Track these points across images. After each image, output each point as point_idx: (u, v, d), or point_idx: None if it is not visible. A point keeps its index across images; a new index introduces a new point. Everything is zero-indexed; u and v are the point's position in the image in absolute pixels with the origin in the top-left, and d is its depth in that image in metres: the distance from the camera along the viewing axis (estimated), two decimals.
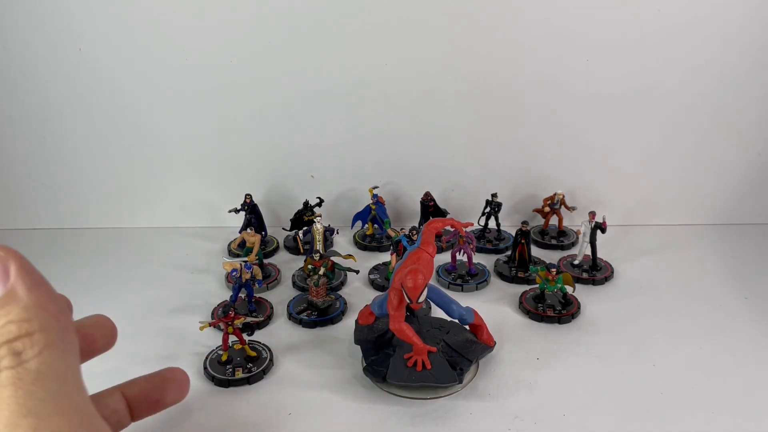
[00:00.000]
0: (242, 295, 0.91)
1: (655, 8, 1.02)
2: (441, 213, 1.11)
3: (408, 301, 0.72)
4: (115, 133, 1.13)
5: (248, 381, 0.76)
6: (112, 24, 1.04)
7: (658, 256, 1.07)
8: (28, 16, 1.04)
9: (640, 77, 1.07)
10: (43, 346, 0.30)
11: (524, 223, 0.99)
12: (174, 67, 1.07)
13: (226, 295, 0.96)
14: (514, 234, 1.02)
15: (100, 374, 0.80)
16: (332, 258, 0.94)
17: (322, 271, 0.91)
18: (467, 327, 0.81)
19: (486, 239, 1.11)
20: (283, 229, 1.12)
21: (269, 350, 0.81)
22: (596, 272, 1.00)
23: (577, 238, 1.09)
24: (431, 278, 0.76)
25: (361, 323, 0.81)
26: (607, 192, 1.16)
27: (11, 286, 0.31)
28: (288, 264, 1.06)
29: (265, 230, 1.12)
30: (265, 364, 0.78)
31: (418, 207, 1.13)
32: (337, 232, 1.09)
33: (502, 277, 1.01)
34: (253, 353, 0.80)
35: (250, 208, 1.09)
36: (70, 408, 0.29)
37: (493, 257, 1.07)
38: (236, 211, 1.09)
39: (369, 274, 1.01)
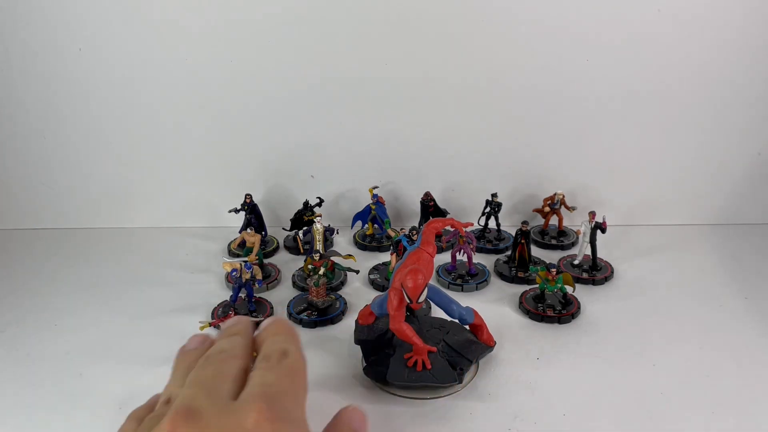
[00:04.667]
0: (242, 295, 0.91)
1: (655, 8, 1.02)
2: (441, 213, 1.11)
3: (408, 301, 0.72)
4: (115, 133, 1.13)
5: None
6: (112, 24, 1.04)
7: (658, 256, 1.07)
8: (28, 16, 1.04)
9: (639, 77, 1.07)
10: (296, 352, 0.42)
11: (524, 223, 0.99)
12: (174, 67, 1.07)
13: (226, 295, 0.96)
14: (514, 234, 1.02)
15: (101, 374, 0.81)
16: (332, 258, 0.94)
17: (322, 271, 0.91)
18: (467, 327, 0.81)
19: (486, 239, 1.11)
20: (283, 229, 1.12)
21: None
22: (596, 272, 1.00)
23: (577, 238, 1.09)
24: (431, 278, 0.76)
25: (361, 323, 0.81)
26: (607, 192, 1.15)
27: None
28: (288, 264, 1.06)
29: (265, 230, 1.12)
30: None
31: (418, 207, 1.13)
32: (337, 232, 1.09)
33: (502, 277, 1.01)
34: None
35: (250, 208, 1.09)
36: (291, 387, 0.40)
37: (493, 257, 1.07)
38: (236, 211, 1.09)
39: (369, 274, 1.01)
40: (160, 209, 1.19)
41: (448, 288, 0.97)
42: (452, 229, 0.98)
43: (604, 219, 0.99)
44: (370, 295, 0.94)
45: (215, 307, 0.92)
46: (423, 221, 1.11)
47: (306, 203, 1.09)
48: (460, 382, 0.74)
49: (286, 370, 0.40)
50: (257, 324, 0.47)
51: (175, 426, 0.34)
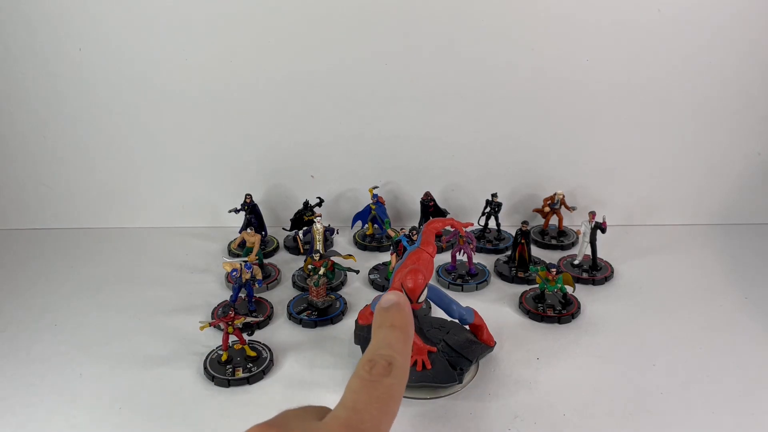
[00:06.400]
0: (242, 295, 0.91)
1: (654, 8, 1.02)
2: (441, 213, 1.11)
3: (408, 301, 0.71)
4: (115, 133, 1.13)
5: (248, 381, 0.76)
6: (112, 24, 1.05)
7: (658, 256, 1.07)
8: (28, 16, 1.04)
9: (639, 77, 1.07)
10: (401, 365, 0.38)
11: (524, 223, 0.99)
12: (174, 67, 1.07)
13: (226, 295, 0.96)
14: (514, 234, 1.02)
15: (101, 374, 0.81)
16: (332, 258, 0.94)
17: (322, 271, 0.91)
18: (467, 327, 0.81)
19: (486, 239, 1.11)
20: (283, 229, 1.12)
21: (269, 350, 0.81)
22: (596, 272, 1.00)
23: (577, 238, 1.09)
24: (431, 278, 0.76)
25: (361, 323, 0.81)
26: (607, 192, 1.16)
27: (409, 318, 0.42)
28: (288, 264, 1.06)
29: (265, 230, 1.12)
30: (265, 364, 0.78)
31: (418, 207, 1.13)
32: (337, 232, 1.09)
33: (502, 277, 1.01)
34: (253, 353, 0.80)
35: (250, 208, 1.09)
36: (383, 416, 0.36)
37: (493, 257, 1.07)
38: (236, 211, 1.09)
39: (369, 274, 1.01)
40: (160, 209, 1.19)
41: (448, 288, 0.97)
42: (452, 229, 0.98)
43: (604, 219, 0.99)
44: (370, 295, 0.94)
45: (215, 307, 0.92)
46: (423, 221, 1.11)
47: (306, 203, 1.10)
48: (460, 382, 0.74)
49: (383, 392, 0.37)
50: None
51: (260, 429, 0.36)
